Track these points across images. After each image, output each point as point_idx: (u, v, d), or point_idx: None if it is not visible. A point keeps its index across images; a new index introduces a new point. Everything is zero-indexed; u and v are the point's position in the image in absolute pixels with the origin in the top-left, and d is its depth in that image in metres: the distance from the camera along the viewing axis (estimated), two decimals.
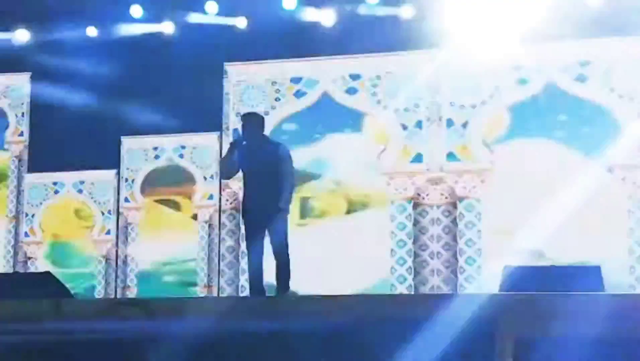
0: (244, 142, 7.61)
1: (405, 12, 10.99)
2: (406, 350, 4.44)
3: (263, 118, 7.95)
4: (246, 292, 10.95)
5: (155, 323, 5.03)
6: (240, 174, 7.90)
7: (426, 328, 4.39)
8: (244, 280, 11.13)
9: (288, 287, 7.47)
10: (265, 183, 7.48)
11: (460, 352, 4.37)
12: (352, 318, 4.66)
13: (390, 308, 4.68)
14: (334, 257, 10.88)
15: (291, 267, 7.53)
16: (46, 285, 7.99)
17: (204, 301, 7.89)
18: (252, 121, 7.76)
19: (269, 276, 7.58)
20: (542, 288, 5.93)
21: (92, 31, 11.84)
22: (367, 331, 4.61)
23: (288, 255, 7.54)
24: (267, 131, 9.85)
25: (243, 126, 7.74)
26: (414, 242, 10.86)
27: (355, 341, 4.59)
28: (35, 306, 5.71)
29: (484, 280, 10.51)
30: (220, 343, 4.86)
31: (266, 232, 7.55)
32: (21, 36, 11.98)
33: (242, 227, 7.99)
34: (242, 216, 7.88)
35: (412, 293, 10.69)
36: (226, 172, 8.02)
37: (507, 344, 4.15)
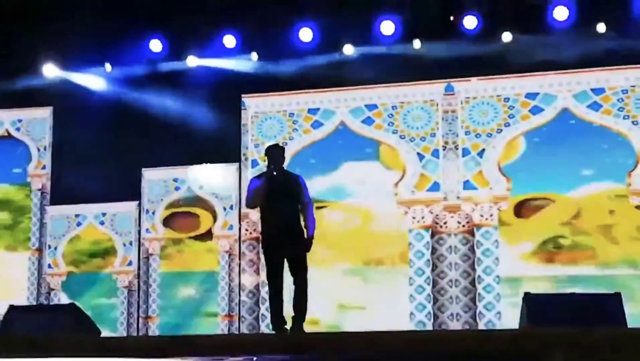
0: (274, 171, 7.78)
1: (424, 44, 11.16)
2: None
3: (284, 150, 8.11)
4: (267, 321, 11.12)
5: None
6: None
7: None
8: (264, 309, 11.24)
9: (305, 317, 7.60)
10: (288, 213, 7.67)
11: None
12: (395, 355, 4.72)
13: (423, 345, 4.73)
14: (352, 286, 10.99)
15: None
16: (71, 316, 8.12)
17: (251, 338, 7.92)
18: (277, 153, 7.93)
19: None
20: (564, 316, 6.03)
21: (112, 65, 12.01)
22: None
23: (306, 285, 7.67)
24: (286, 162, 10.01)
25: (269, 158, 7.90)
26: (432, 270, 10.95)
27: None
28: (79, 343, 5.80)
29: (503, 307, 10.58)
30: None
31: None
32: (44, 71, 12.16)
33: (263, 257, 8.02)
34: (263, 245, 7.94)
35: (431, 320, 10.78)
36: (260, 202, 7.99)
37: None
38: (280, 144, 9.62)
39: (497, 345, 4.45)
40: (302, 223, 7.79)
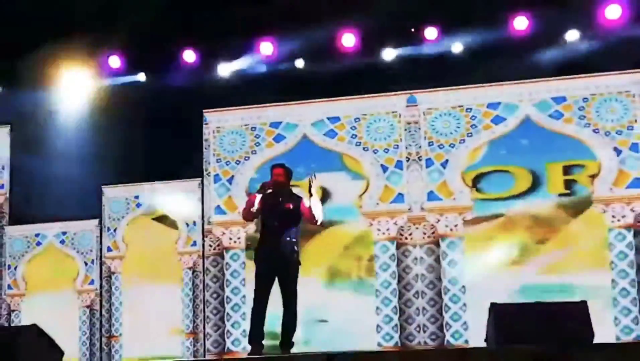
0: (269, 191, 7.74)
1: (386, 55, 11.14)
2: None
3: (291, 171, 8.05)
4: (232, 337, 11.02)
5: None
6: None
7: None
8: (229, 325, 11.13)
9: (291, 340, 7.71)
10: (283, 233, 7.68)
11: None
12: None
13: None
14: (318, 299, 10.92)
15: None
16: (33, 337, 7.95)
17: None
18: (278, 172, 7.89)
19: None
20: (531, 325, 5.99)
21: (70, 81, 11.86)
22: None
23: (296, 304, 7.72)
24: (248, 176, 9.93)
25: (271, 175, 7.89)
26: (398, 282, 10.91)
27: None
28: None
29: (469, 317, 10.56)
30: None
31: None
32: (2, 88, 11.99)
33: (255, 274, 7.91)
34: (255, 261, 7.89)
35: (398, 333, 10.72)
36: (252, 216, 8.05)
37: None
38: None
39: None
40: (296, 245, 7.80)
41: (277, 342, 7.80)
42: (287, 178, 7.92)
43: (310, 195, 7.73)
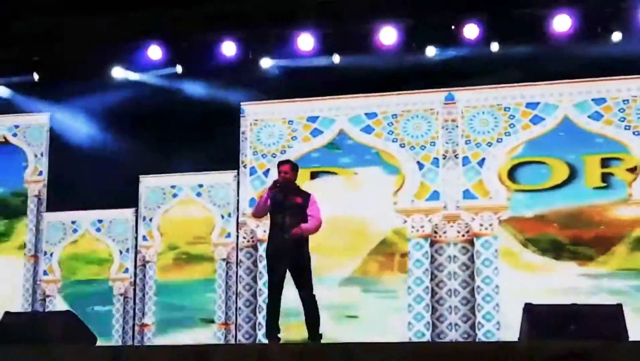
0: (278, 186, 7.78)
1: (426, 52, 11.09)
2: None
3: (297, 166, 8.08)
4: (263, 329, 11.01)
5: None
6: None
7: None
8: (261, 317, 11.16)
9: (319, 331, 7.69)
10: (290, 229, 7.70)
11: None
12: None
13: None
14: (351, 296, 10.93)
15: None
16: (67, 323, 8.04)
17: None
18: (286, 169, 7.91)
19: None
20: (566, 327, 5.94)
21: (111, 72, 11.94)
22: None
23: (315, 297, 7.72)
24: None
25: (278, 172, 7.92)
26: (431, 280, 10.87)
27: None
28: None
29: (502, 318, 10.50)
30: None
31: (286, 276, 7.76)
32: (41, 76, 12.09)
33: (266, 270, 8.01)
34: (267, 257, 7.94)
35: (430, 330, 10.69)
36: (261, 214, 8.07)
37: None
38: (281, 153, 9.56)
39: (510, 357, 4.37)
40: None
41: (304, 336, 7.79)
42: (293, 174, 7.93)
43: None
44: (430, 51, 11.07)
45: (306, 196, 7.90)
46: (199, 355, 5.43)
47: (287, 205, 7.77)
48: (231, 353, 5.81)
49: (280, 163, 8.06)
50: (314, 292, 7.76)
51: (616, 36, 10.56)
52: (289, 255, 7.68)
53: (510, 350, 4.63)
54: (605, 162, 10.67)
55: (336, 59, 11.34)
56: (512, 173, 10.91)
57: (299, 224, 7.73)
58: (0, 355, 6.46)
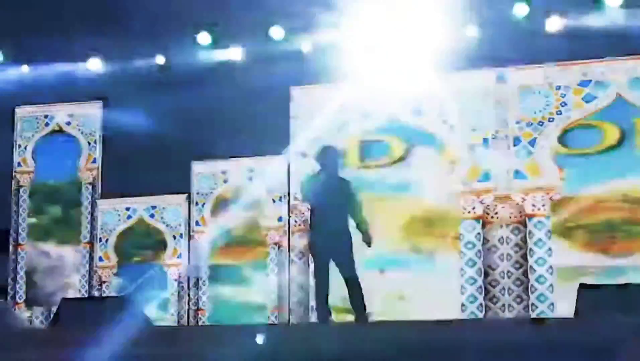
0: (321, 172, 7.81)
1: (476, 31, 11.00)
2: None
3: (339, 152, 8.12)
4: (316, 313, 11.07)
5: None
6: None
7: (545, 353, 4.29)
8: (313, 301, 11.19)
9: (365, 311, 7.68)
10: (335, 215, 7.75)
11: None
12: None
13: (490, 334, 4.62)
14: (404, 277, 10.93)
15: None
16: (122, 308, 8.17)
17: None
18: (331, 154, 7.93)
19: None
20: (623, 308, 5.88)
21: (161, 59, 12.06)
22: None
23: (358, 279, 7.73)
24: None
25: (322, 157, 7.94)
26: (484, 261, 10.82)
27: None
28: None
29: (556, 298, 10.42)
30: None
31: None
32: (93, 65, 12.25)
33: (310, 255, 8.09)
34: (310, 244, 8.07)
35: (483, 312, 10.66)
36: (310, 194, 8.06)
37: None
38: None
39: (570, 335, 4.34)
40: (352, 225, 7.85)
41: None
42: (338, 159, 7.98)
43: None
44: (478, 30, 10.97)
45: (347, 183, 7.98)
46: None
47: (335, 190, 7.80)
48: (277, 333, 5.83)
49: (326, 148, 8.10)
50: (358, 273, 7.78)
51: None
52: (334, 238, 7.72)
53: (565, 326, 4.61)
54: None
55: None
56: (562, 139, 10.77)
57: (346, 210, 7.78)
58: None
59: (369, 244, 7.82)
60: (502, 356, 4.25)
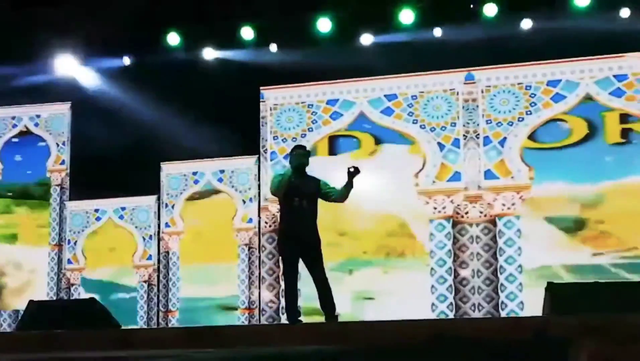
0: (291, 172, 7.80)
1: (444, 32, 11.03)
2: None
3: (309, 152, 8.08)
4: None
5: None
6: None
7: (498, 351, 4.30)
8: (284, 302, 11.13)
9: (335, 312, 7.66)
10: (304, 214, 7.73)
11: None
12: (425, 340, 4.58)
13: (453, 332, 4.62)
14: (373, 278, 10.92)
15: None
16: (91, 311, 8.10)
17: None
18: (301, 154, 7.91)
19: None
20: (588, 306, 5.90)
21: (129, 59, 11.99)
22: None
23: (327, 280, 7.72)
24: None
25: (292, 157, 7.91)
26: (454, 261, 10.84)
27: None
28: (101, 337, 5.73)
29: (525, 297, 10.46)
30: None
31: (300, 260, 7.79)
32: (61, 66, 12.14)
33: (280, 254, 8.06)
34: (278, 243, 8.04)
35: (453, 311, 10.68)
36: (281, 190, 7.88)
37: None
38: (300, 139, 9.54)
39: (525, 333, 4.34)
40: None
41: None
42: (308, 160, 7.94)
43: (350, 185, 7.75)
44: (449, 31, 11.00)
45: (317, 182, 7.93)
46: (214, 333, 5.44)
47: (303, 190, 7.77)
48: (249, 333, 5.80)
49: (296, 148, 8.08)
50: (327, 275, 7.76)
51: (624, 12, 10.48)
52: (302, 238, 7.70)
53: (527, 324, 4.62)
54: (624, 118, 10.59)
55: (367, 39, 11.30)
56: (532, 135, 10.83)
57: (315, 210, 7.75)
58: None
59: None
60: (469, 353, 4.26)
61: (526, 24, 10.83)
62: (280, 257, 8.03)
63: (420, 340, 4.73)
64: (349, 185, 7.78)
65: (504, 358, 4.25)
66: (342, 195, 7.86)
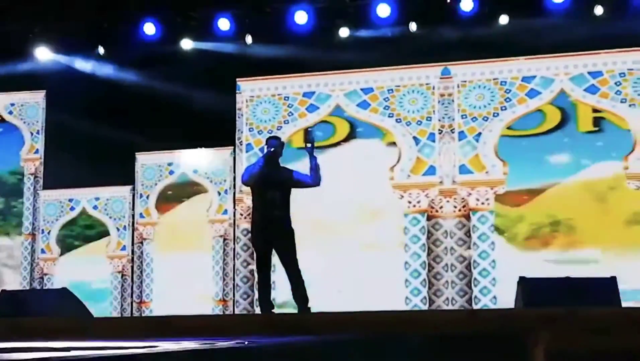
0: (264, 162, 7.77)
1: (421, 26, 11.06)
2: None
3: (282, 143, 8.06)
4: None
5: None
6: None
7: (456, 344, 4.35)
8: (257, 293, 11.15)
9: (307, 304, 7.65)
10: (277, 204, 7.74)
11: None
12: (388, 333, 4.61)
13: (418, 325, 4.65)
14: (347, 271, 10.94)
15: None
16: (64, 301, 8.06)
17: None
18: (276, 144, 7.91)
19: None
20: (560, 300, 5.95)
21: (105, 48, 11.92)
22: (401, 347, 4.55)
23: (300, 272, 7.71)
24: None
25: (268, 146, 7.91)
26: (428, 254, 10.89)
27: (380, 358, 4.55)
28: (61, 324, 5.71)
29: (498, 292, 10.53)
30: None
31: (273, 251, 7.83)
32: (37, 54, 12.05)
33: (253, 245, 8.07)
34: (251, 235, 8.06)
35: (427, 305, 10.73)
36: (253, 179, 7.90)
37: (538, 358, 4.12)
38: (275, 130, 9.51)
39: (482, 326, 4.40)
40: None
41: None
42: (281, 151, 7.95)
43: (311, 152, 7.75)
44: (426, 25, 11.03)
45: (290, 172, 7.94)
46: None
47: (276, 181, 7.78)
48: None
49: (271, 138, 8.08)
50: (300, 267, 7.76)
51: (599, 10, 10.56)
52: (275, 230, 7.71)
53: (486, 317, 4.68)
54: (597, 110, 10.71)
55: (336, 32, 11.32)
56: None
57: (288, 201, 7.75)
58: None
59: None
60: (433, 346, 4.30)
61: (503, 19, 10.87)
62: (255, 247, 8.00)
63: (381, 331, 4.76)
64: (315, 166, 7.76)
65: (464, 350, 4.30)
66: (314, 179, 7.82)
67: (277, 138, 8.16)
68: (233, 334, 5.06)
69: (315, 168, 7.79)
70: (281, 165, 8.00)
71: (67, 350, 4.95)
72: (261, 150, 11.48)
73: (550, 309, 5.04)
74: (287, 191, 7.83)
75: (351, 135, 11.34)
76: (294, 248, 7.76)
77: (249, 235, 11.23)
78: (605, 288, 6.75)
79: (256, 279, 10.99)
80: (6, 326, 5.56)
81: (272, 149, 7.85)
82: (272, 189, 7.74)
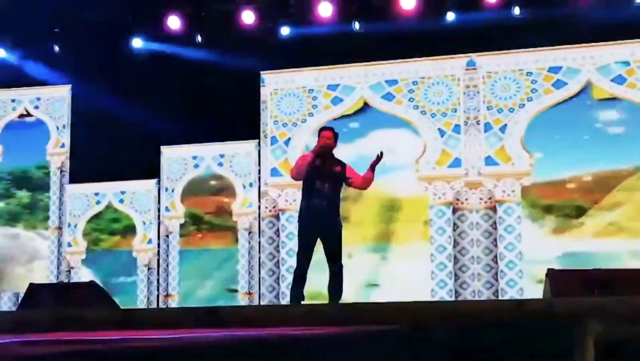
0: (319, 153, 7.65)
1: (446, 17, 11.03)
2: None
3: (338, 134, 7.84)
4: (286, 298, 11.06)
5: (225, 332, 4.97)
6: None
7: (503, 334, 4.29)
8: (284, 286, 11.18)
9: (340, 298, 7.57)
10: (328, 196, 7.57)
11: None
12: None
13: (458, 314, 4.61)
14: (373, 263, 10.93)
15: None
16: (91, 294, 8.10)
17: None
18: (329, 135, 7.72)
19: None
20: (588, 292, 5.90)
21: (133, 42, 11.96)
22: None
23: (342, 266, 7.60)
24: (305, 138, 9.84)
25: (318, 138, 7.73)
26: (454, 247, 10.85)
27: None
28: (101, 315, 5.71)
29: (525, 284, 10.48)
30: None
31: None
32: (63, 49, 12.09)
33: (299, 236, 7.83)
34: (299, 223, 7.75)
35: (453, 297, 10.69)
36: (300, 177, 7.73)
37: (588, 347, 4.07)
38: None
39: (529, 314, 4.35)
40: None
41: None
42: (335, 142, 7.79)
43: (373, 170, 7.68)
44: (451, 16, 10.99)
45: (344, 165, 7.76)
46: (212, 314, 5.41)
47: (327, 172, 7.60)
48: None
49: (323, 129, 7.84)
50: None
51: None
52: (323, 223, 7.54)
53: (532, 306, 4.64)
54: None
55: (358, 25, 11.29)
56: None
57: (339, 192, 7.63)
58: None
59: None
60: (479, 336, 4.28)
61: (524, 9, 10.78)
62: (300, 238, 7.73)
63: (423, 320, 4.72)
64: (370, 178, 7.67)
65: (508, 339, 4.26)
66: (364, 182, 7.73)
67: (331, 129, 7.89)
68: (284, 325, 5.02)
69: (369, 178, 7.71)
70: (335, 157, 7.80)
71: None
72: (286, 142, 11.50)
73: (598, 298, 4.98)
74: (339, 183, 7.67)
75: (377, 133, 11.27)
76: (340, 240, 7.60)
77: (274, 228, 11.29)
78: (635, 279, 6.68)
79: (281, 272, 11.06)
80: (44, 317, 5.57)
81: (327, 140, 7.65)
82: (328, 181, 7.57)
